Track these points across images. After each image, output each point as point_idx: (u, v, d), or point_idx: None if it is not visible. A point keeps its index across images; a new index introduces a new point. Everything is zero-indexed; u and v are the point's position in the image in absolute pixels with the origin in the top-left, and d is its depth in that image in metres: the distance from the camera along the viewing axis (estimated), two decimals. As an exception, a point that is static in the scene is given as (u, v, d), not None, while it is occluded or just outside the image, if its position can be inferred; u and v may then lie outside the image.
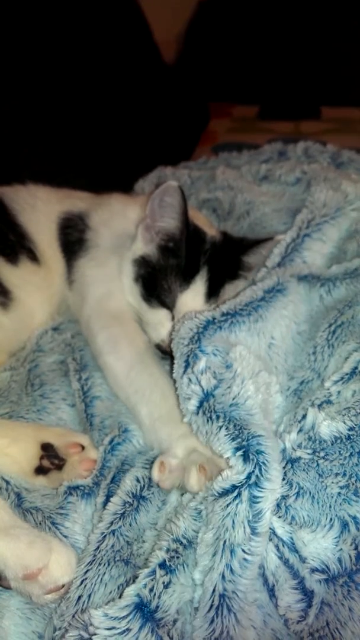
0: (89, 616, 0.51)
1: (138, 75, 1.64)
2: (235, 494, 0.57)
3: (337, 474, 0.59)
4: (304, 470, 0.61)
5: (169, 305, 0.87)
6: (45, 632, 0.57)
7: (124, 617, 0.50)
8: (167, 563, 0.56)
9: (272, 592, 0.55)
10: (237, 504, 0.56)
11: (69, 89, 1.39)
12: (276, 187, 1.16)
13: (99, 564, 0.59)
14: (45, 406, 0.80)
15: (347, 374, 0.68)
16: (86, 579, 0.58)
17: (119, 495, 0.65)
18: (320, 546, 0.56)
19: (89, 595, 0.57)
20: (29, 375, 0.85)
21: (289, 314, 0.78)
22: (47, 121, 1.32)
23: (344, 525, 0.56)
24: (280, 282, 0.79)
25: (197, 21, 2.51)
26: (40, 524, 0.65)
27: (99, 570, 0.58)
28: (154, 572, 0.55)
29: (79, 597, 0.56)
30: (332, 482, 0.59)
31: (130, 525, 0.63)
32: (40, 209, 0.97)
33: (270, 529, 0.57)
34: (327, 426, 0.62)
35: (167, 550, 0.57)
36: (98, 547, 0.60)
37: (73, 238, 0.96)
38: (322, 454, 0.61)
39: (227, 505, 0.56)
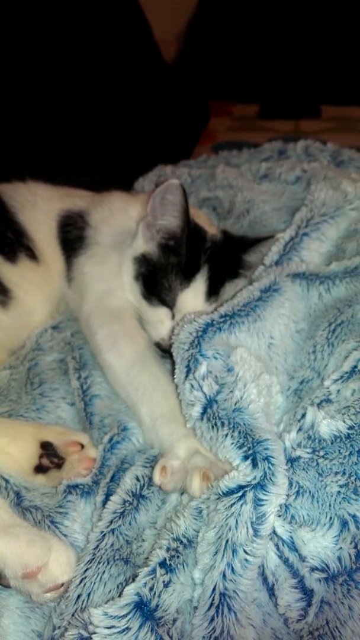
0: (88, 615, 0.51)
1: (138, 74, 1.64)
2: (240, 494, 0.57)
3: (336, 473, 0.59)
4: (303, 469, 0.60)
5: (169, 304, 0.87)
6: (45, 630, 0.57)
7: (123, 616, 0.50)
8: (168, 562, 0.56)
9: (271, 591, 0.55)
10: (242, 505, 0.56)
11: (70, 87, 1.40)
12: (276, 185, 1.15)
13: (99, 563, 0.59)
14: (44, 405, 0.80)
15: (346, 373, 0.68)
16: (86, 577, 0.57)
17: (119, 494, 0.65)
18: (320, 545, 0.56)
19: (89, 594, 0.56)
20: (29, 373, 0.84)
21: (286, 313, 0.77)
22: (48, 119, 1.32)
23: (344, 524, 0.56)
24: (276, 281, 0.79)
25: (197, 20, 2.51)
26: (39, 522, 0.64)
27: (99, 569, 0.58)
28: (154, 570, 0.54)
29: (79, 596, 0.56)
30: (332, 481, 0.59)
31: (129, 524, 0.63)
32: (40, 207, 0.97)
33: (270, 528, 0.57)
34: (327, 425, 0.62)
35: (168, 549, 0.57)
36: (97, 546, 0.60)
37: (73, 236, 0.96)
38: (321, 453, 0.61)
39: (232, 505, 0.56)
